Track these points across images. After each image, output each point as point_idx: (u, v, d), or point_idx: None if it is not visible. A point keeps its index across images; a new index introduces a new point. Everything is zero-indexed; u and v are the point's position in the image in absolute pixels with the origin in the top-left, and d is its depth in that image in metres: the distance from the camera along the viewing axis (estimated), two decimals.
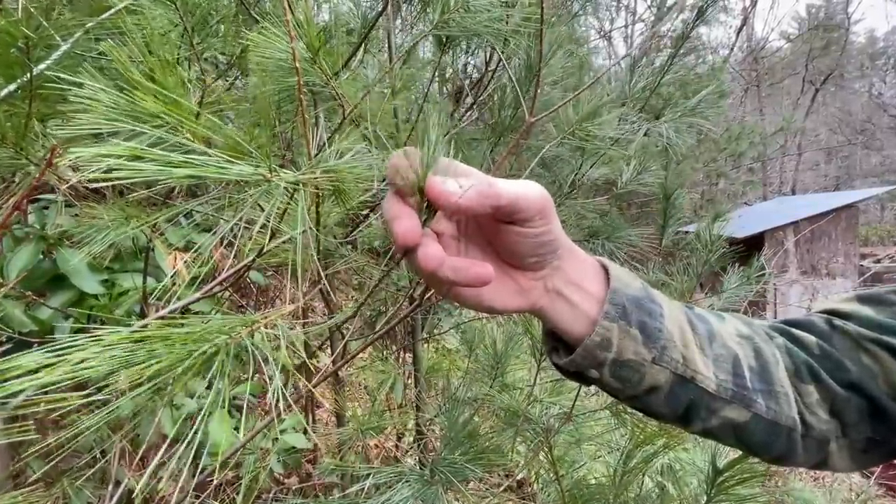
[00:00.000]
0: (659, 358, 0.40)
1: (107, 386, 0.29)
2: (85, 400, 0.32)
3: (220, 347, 0.31)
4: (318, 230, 0.48)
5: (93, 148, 0.26)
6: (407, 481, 0.65)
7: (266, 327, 0.39)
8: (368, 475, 0.70)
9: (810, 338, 0.46)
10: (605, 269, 0.42)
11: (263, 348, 0.34)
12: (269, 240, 0.63)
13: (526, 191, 0.34)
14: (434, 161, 0.30)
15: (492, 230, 0.38)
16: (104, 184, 0.26)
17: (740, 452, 0.76)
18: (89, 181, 0.28)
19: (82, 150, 0.28)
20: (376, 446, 2.39)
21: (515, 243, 0.37)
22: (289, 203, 0.53)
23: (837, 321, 0.46)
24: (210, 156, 0.29)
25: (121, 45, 0.43)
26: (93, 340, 0.28)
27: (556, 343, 0.43)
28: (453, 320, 2.31)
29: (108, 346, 0.26)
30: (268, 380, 0.36)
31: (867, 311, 0.46)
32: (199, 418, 0.34)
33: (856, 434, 0.44)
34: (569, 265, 0.40)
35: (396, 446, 2.02)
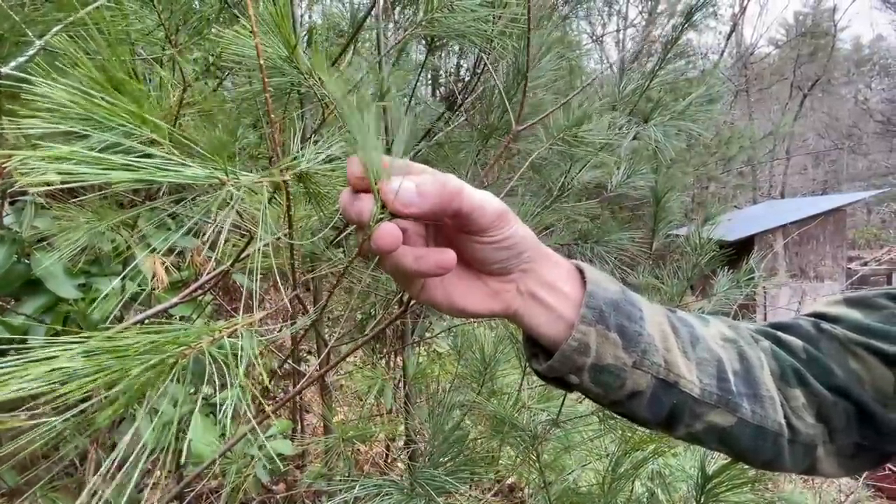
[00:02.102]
0: (640, 362, 0.39)
1: (55, 398, 0.27)
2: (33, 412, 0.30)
3: (177, 358, 0.29)
4: (291, 234, 0.46)
5: (30, 151, 0.25)
6: (387, 494, 0.63)
7: (231, 336, 0.37)
8: (350, 487, 0.68)
9: (797, 341, 0.45)
10: (581, 272, 0.41)
11: (228, 361, 0.33)
12: (247, 245, 0.61)
13: (484, 199, 0.34)
14: (380, 160, 0.29)
15: (453, 236, 0.37)
16: (43, 188, 0.25)
17: (729, 458, 0.75)
18: (28, 185, 0.26)
19: (20, 153, 0.26)
20: (367, 452, 2.36)
21: (477, 250, 0.36)
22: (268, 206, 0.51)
23: (825, 324, 0.46)
24: (161, 158, 0.28)
25: (83, 42, 0.42)
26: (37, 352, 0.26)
27: (536, 349, 0.42)
28: (445, 324, 2.29)
29: (49, 358, 0.24)
30: (241, 391, 0.35)
31: (855, 314, 0.45)
32: (164, 427, 0.32)
33: (843, 439, 0.43)
34: (541, 267, 0.39)
35: (386, 454, 2.00)
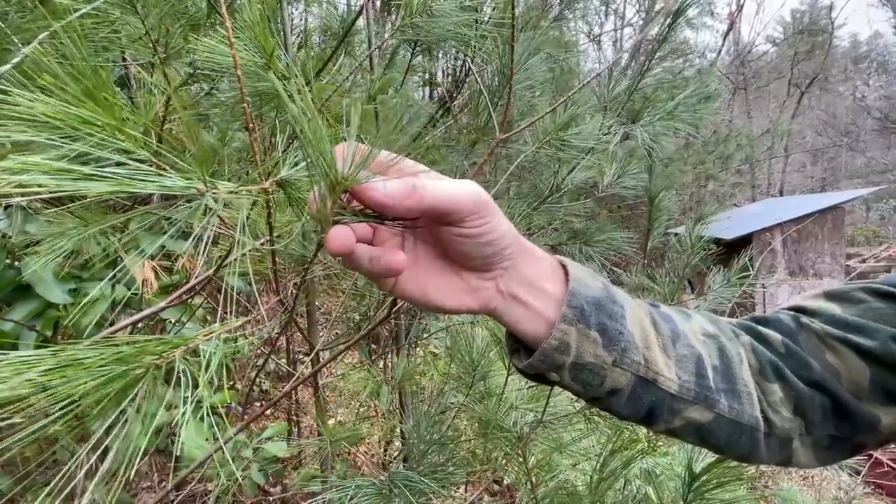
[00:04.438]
0: (619, 360, 0.39)
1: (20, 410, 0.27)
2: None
3: (147, 370, 0.30)
4: (272, 240, 0.47)
5: (14, 161, 0.25)
6: (366, 495, 0.63)
7: (207, 343, 0.38)
8: (334, 488, 0.68)
9: (776, 336, 0.45)
10: (564, 268, 0.41)
11: (198, 372, 0.33)
12: (230, 250, 0.62)
13: (455, 190, 0.33)
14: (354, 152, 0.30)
15: (433, 230, 0.37)
16: (22, 199, 0.25)
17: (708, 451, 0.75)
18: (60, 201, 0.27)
19: None
20: (364, 453, 2.36)
21: (458, 243, 0.36)
22: (251, 211, 0.52)
23: (804, 318, 0.46)
24: (140, 168, 0.28)
25: (62, 50, 0.42)
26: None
27: (518, 345, 0.42)
28: (441, 325, 2.29)
29: (19, 370, 0.25)
30: (233, 389, 0.35)
31: (834, 308, 0.45)
32: (135, 433, 0.32)
33: (819, 432, 0.43)
34: (524, 265, 0.39)
35: (384, 455, 2.01)
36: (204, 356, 0.29)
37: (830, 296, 0.47)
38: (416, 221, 0.38)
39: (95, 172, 0.25)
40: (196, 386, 0.28)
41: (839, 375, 0.42)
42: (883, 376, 0.41)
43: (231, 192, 0.31)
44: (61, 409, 0.24)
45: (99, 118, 0.31)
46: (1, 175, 0.23)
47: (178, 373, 0.29)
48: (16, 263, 1.02)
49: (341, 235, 0.31)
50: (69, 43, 0.36)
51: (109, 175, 0.26)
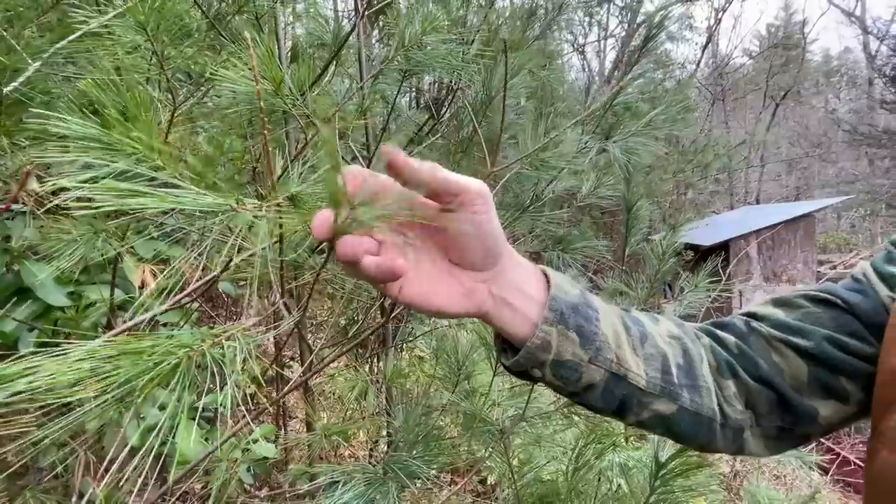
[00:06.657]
0: (594, 358, 0.44)
1: (68, 400, 0.32)
2: (53, 404, 0.36)
3: (181, 360, 0.35)
4: (282, 250, 0.52)
5: (75, 179, 0.30)
6: (359, 480, 0.68)
7: (228, 340, 0.43)
8: (331, 472, 0.73)
9: (730, 338, 0.52)
10: (546, 276, 0.47)
11: (226, 361, 0.38)
12: (235, 255, 0.67)
13: (462, 176, 0.39)
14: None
15: (435, 237, 0.41)
16: (84, 212, 0.30)
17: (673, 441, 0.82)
18: (66, 207, 0.32)
19: (66, 181, 0.32)
20: (350, 455, 2.39)
21: (462, 236, 0.40)
22: (254, 222, 0.57)
23: (754, 323, 0.52)
24: (185, 189, 0.34)
25: (91, 72, 0.47)
26: (61, 353, 0.31)
27: (505, 345, 0.48)
28: (425, 329, 2.33)
29: (77, 359, 0.30)
30: (235, 391, 0.40)
31: (778, 313, 0.52)
32: (158, 429, 0.37)
33: (767, 423, 0.50)
34: (511, 270, 0.44)
35: (370, 455, 2.04)
36: (229, 349, 0.35)
37: (776, 302, 0.54)
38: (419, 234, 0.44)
39: (149, 191, 0.31)
40: (192, 388, 0.34)
41: (783, 373, 0.48)
42: (819, 373, 0.47)
43: (255, 209, 0.37)
44: (116, 389, 0.30)
45: (140, 141, 0.37)
46: (64, 190, 0.29)
47: (210, 362, 0.34)
48: (13, 268, 1.04)
49: (353, 242, 0.36)
50: (111, 69, 0.42)
51: (159, 193, 0.32)
